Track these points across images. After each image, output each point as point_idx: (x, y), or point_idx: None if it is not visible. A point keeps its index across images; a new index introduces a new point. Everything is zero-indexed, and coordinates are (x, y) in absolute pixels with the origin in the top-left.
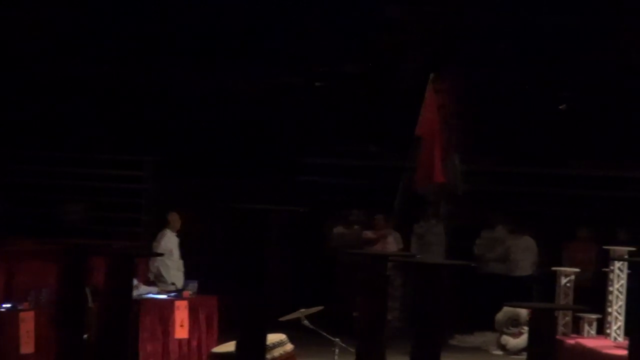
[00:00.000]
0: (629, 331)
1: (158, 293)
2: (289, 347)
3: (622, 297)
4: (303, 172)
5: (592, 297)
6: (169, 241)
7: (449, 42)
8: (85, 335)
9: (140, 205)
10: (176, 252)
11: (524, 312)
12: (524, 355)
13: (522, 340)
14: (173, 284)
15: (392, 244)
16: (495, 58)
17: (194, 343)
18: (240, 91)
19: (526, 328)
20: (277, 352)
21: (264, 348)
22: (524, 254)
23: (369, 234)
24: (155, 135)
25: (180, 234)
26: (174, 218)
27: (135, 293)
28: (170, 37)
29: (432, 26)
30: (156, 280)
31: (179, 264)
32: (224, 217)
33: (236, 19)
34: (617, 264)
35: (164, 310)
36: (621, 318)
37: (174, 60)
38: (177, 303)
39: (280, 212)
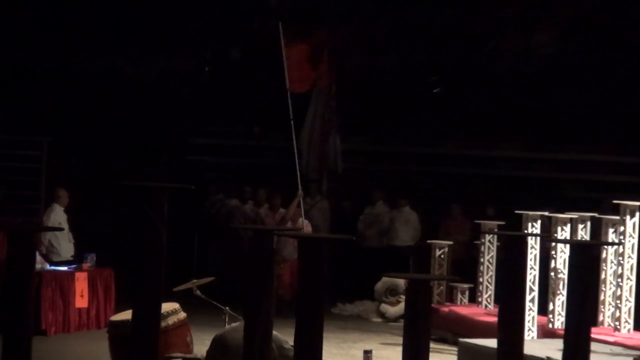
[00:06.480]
0: (498, 299)
1: (57, 264)
2: (182, 315)
3: (492, 267)
4: (191, 151)
5: (466, 268)
6: (57, 215)
7: (327, 25)
8: None
9: (38, 184)
10: (65, 225)
11: (401, 282)
12: (402, 322)
13: (399, 308)
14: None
15: (305, 224)
16: (370, 42)
17: (93, 312)
18: (130, 74)
19: (403, 297)
20: (171, 320)
21: (159, 316)
22: (405, 226)
23: (283, 213)
24: (52, 117)
25: (75, 210)
26: (62, 194)
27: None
28: (61, 18)
29: (311, 11)
30: (48, 253)
31: (69, 236)
32: (117, 195)
33: (126, 2)
34: (488, 237)
35: (65, 281)
36: (491, 287)
37: (65, 42)
38: (77, 274)
39: (172, 188)
